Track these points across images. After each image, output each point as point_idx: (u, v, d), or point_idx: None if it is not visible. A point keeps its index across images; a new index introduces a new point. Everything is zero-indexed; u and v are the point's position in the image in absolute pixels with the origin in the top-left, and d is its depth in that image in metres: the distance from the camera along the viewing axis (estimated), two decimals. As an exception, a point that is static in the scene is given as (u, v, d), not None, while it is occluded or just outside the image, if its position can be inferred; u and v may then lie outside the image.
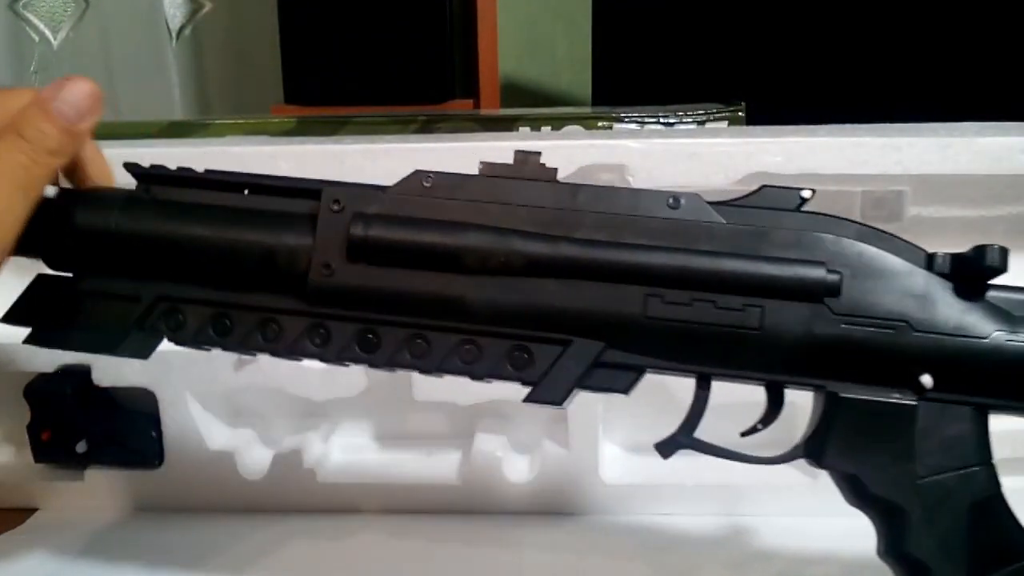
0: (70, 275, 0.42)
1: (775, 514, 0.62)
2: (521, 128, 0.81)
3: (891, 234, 0.40)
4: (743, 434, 0.43)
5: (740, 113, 0.82)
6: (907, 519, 0.39)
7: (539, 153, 0.41)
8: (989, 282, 0.39)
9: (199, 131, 0.81)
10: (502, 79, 1.28)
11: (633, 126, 0.80)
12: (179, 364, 0.62)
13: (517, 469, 0.63)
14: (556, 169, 0.41)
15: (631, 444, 0.66)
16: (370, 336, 0.40)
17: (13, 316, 0.42)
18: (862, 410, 0.39)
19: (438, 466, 0.65)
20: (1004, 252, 0.38)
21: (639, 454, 0.65)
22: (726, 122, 0.81)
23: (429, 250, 0.39)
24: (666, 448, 0.42)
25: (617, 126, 0.80)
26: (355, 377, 0.62)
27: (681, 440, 0.42)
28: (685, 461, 0.64)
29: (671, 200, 0.40)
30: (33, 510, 0.67)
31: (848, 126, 0.61)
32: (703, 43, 1.17)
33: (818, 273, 0.39)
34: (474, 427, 0.65)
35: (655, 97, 0.86)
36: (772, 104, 0.76)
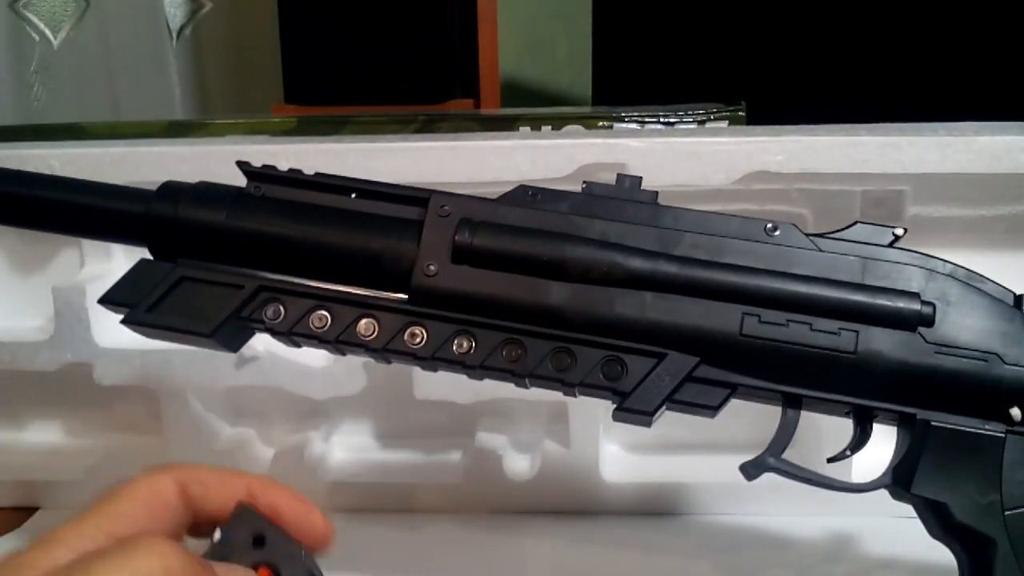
0: (173, 262, 0.42)
1: (776, 514, 0.62)
2: (521, 128, 0.80)
3: (981, 275, 0.41)
4: (830, 460, 0.43)
5: (740, 113, 0.82)
6: (994, 551, 0.39)
7: (640, 177, 0.42)
8: None
9: (199, 131, 0.81)
10: (502, 79, 1.28)
11: (633, 125, 0.79)
12: (180, 363, 0.62)
13: (518, 468, 0.63)
14: (657, 192, 0.42)
15: (632, 443, 0.66)
16: (466, 337, 0.40)
17: (111, 297, 0.41)
18: (952, 439, 0.40)
19: (439, 465, 0.65)
20: None
21: (639, 453, 0.65)
22: (726, 122, 0.81)
23: (533, 258, 0.40)
24: (753, 469, 0.41)
25: (617, 126, 0.80)
26: (356, 376, 0.62)
27: (769, 462, 0.41)
28: (686, 460, 0.65)
29: (768, 226, 0.41)
30: (33, 510, 0.67)
31: (848, 126, 0.61)
32: (703, 43, 1.16)
33: (913, 302, 0.39)
34: (475, 426, 0.65)
35: (655, 97, 0.86)
36: (772, 104, 0.76)
